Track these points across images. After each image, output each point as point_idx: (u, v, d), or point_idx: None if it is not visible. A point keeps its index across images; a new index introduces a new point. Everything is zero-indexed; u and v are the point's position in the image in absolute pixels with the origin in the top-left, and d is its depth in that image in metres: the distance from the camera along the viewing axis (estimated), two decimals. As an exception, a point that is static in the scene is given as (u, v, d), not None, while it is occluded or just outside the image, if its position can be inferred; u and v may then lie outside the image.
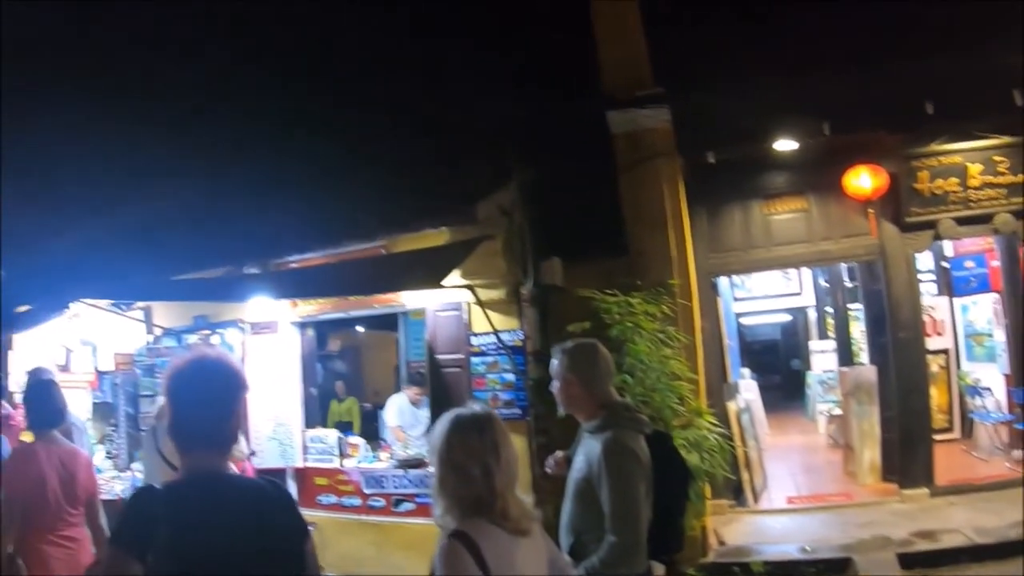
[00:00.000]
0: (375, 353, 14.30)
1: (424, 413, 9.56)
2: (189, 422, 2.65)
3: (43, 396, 5.09)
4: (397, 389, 11.28)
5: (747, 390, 12.47)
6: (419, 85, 8.06)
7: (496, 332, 7.97)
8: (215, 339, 10.35)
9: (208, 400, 2.65)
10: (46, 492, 4.75)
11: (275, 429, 9.17)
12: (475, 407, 2.92)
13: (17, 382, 11.60)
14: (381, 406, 11.02)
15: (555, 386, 3.99)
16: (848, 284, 13.85)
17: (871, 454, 9.97)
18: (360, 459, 9.08)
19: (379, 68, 7.85)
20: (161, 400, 7.01)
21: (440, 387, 8.41)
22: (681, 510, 4.17)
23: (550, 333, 7.79)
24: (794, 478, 11.00)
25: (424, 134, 8.00)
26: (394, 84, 7.95)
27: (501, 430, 2.83)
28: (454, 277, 7.56)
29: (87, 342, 11.03)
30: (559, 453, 4.37)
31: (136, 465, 9.53)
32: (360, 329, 13.13)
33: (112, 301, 10.01)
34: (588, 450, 3.78)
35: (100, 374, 11.26)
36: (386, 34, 7.84)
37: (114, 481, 9.57)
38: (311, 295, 8.65)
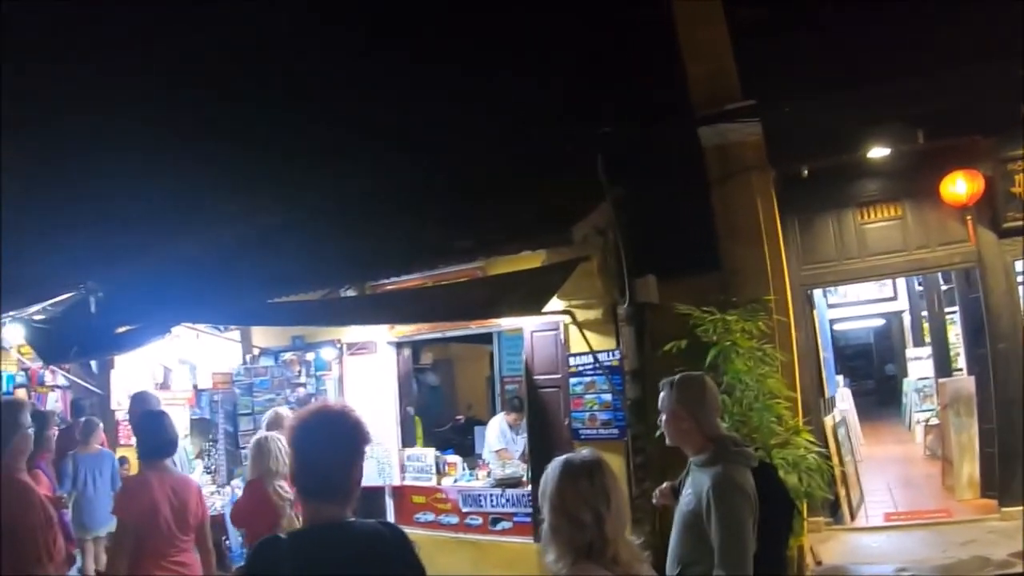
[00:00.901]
0: (468, 366, 14.43)
1: (521, 437, 9.71)
2: (313, 472, 2.78)
3: (156, 427, 5.30)
4: (492, 404, 11.47)
5: (842, 399, 12.37)
6: (512, 108, 8.20)
7: (593, 352, 8.05)
8: (310, 356, 10.73)
9: (331, 451, 2.77)
10: (158, 520, 4.97)
11: (372, 448, 9.32)
12: (583, 452, 3.02)
13: (118, 400, 12.17)
14: (474, 419, 11.22)
15: (663, 419, 4.07)
16: (944, 287, 13.60)
17: (970, 468, 9.81)
18: (457, 477, 9.28)
19: (474, 92, 8.00)
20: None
21: (537, 407, 8.53)
22: (785, 542, 4.25)
23: (646, 352, 7.89)
24: (891, 492, 10.84)
25: (518, 156, 8.13)
26: (489, 107, 8.09)
27: (611, 475, 2.91)
28: (552, 299, 7.64)
29: (185, 361, 11.47)
30: (665, 484, 4.45)
31: (236, 482, 9.89)
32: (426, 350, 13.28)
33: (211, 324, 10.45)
34: (697, 484, 3.85)
35: (198, 391, 11.69)
36: (480, 59, 7.99)
37: (213, 496, 9.95)
38: (409, 321, 8.83)
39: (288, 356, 10.75)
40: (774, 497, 3.98)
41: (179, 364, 11.55)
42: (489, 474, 9.16)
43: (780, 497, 4.18)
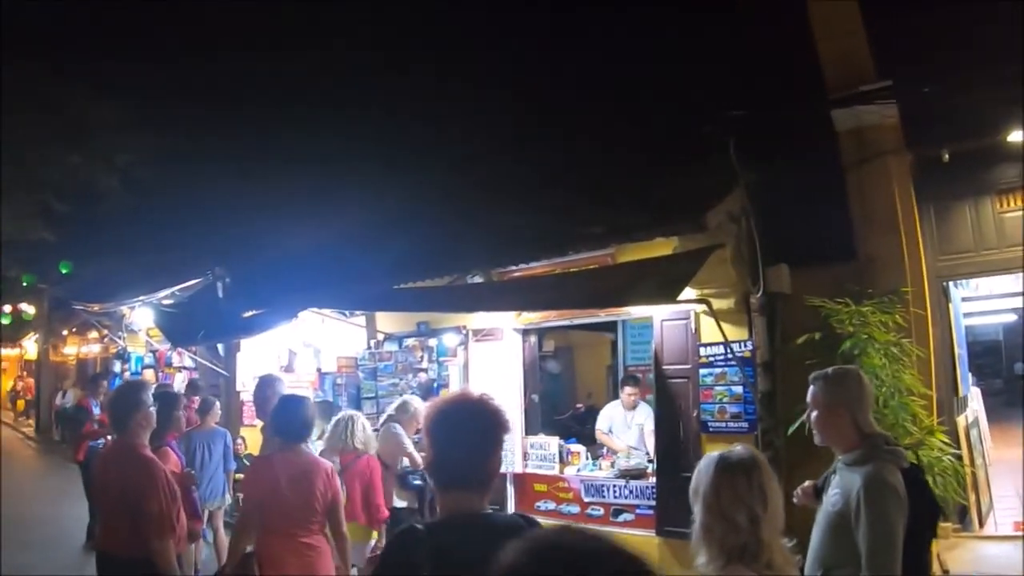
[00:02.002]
0: (588, 354, 14.21)
1: (638, 416, 9.54)
2: (451, 462, 2.67)
3: (292, 410, 5.32)
4: (613, 393, 11.37)
5: (973, 399, 11.86)
6: (644, 92, 8.06)
7: (728, 342, 7.72)
8: (432, 342, 10.79)
9: (471, 441, 2.66)
10: (281, 500, 4.99)
11: (500, 435, 9.36)
12: (739, 448, 2.88)
13: (243, 382, 12.46)
14: (594, 408, 11.12)
15: (813, 415, 3.89)
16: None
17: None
18: (580, 467, 9.18)
19: (606, 77, 7.88)
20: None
21: (666, 398, 8.32)
22: (928, 547, 4.02)
23: (776, 344, 7.69)
24: (1021, 500, 10.36)
25: (648, 141, 7.98)
26: (620, 92, 7.97)
27: (769, 474, 2.78)
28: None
29: (309, 344, 11.67)
30: (808, 483, 4.25)
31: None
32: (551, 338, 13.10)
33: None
34: (845, 483, 3.65)
35: (321, 375, 11.89)
36: (611, 44, 7.87)
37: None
38: (539, 308, 8.71)
39: (411, 342, 10.83)
40: (920, 500, 3.74)
41: (304, 348, 11.75)
42: (613, 464, 9.03)
43: (926, 500, 3.96)
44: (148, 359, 17.93)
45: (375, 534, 7.09)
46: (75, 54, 13.49)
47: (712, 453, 2.85)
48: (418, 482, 7.71)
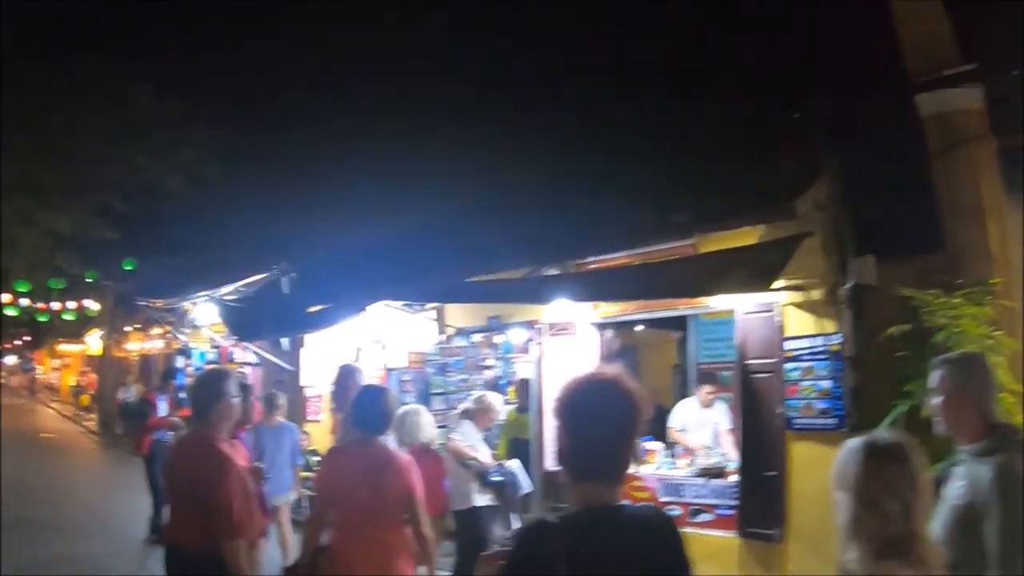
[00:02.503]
0: (653, 352, 13.72)
1: (713, 414, 9.19)
2: (587, 450, 2.40)
3: (374, 401, 5.15)
4: (680, 391, 11.01)
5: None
6: (726, 79, 7.70)
7: (821, 335, 7.46)
8: (499, 339, 10.50)
9: (608, 426, 2.38)
10: (353, 494, 4.81)
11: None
12: (883, 433, 2.63)
13: (307, 377, 12.28)
14: (661, 407, 10.77)
15: (938, 402, 3.55)
16: None
17: None
18: (658, 465, 8.83)
19: (691, 62, 7.54)
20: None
21: (749, 394, 7.94)
22: None
23: (863, 337, 7.20)
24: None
25: (732, 128, 7.63)
26: (702, 80, 7.62)
27: (920, 459, 2.49)
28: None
29: (377, 340, 11.44)
30: None
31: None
32: (638, 328, 12.80)
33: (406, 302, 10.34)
34: (974, 476, 3.32)
35: (388, 371, 11.67)
36: (695, 31, 7.53)
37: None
38: (622, 298, 8.39)
39: (477, 338, 10.55)
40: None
41: (371, 343, 11.52)
42: (691, 463, 8.67)
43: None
44: (211, 355, 17.87)
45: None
46: (138, 50, 13.40)
47: (859, 438, 2.59)
48: (498, 479, 7.42)
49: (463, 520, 7.07)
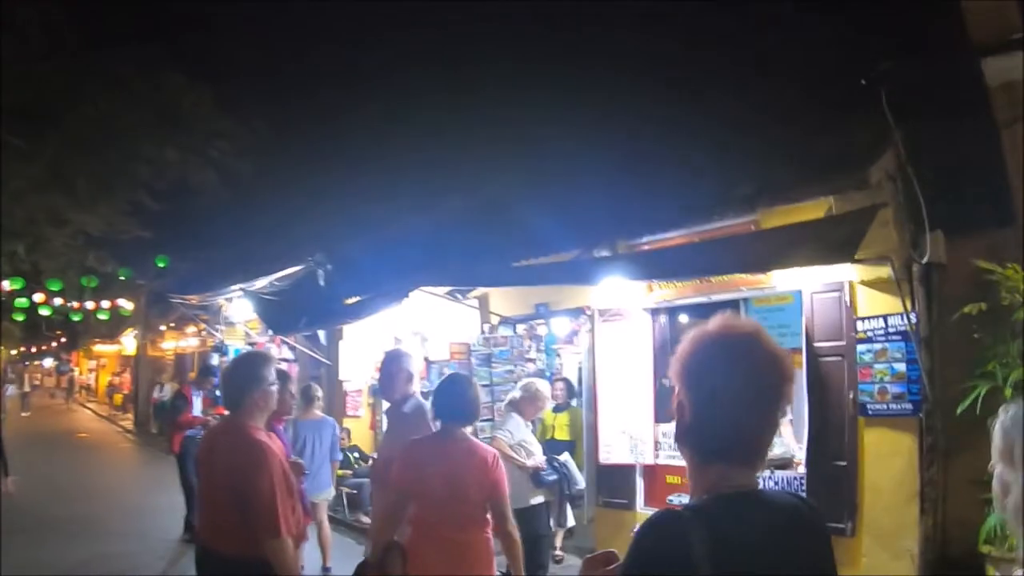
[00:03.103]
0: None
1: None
2: (717, 424, 1.81)
3: (460, 391, 4.66)
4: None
5: None
6: (789, 44, 7.12)
7: (887, 316, 6.91)
8: (542, 329, 9.95)
9: (744, 393, 1.79)
10: (430, 490, 4.35)
11: (626, 423, 8.50)
12: None
13: (346, 371, 11.78)
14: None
15: None
16: None
17: None
18: None
19: (751, 26, 6.98)
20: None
21: (817, 379, 7.34)
22: None
23: (934, 316, 6.73)
24: None
25: (798, 95, 7.05)
26: (763, 47, 7.04)
27: None
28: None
29: (417, 332, 10.93)
30: None
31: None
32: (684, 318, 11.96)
33: (450, 289, 9.79)
34: None
35: (428, 363, 11.17)
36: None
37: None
38: (682, 275, 7.77)
39: (521, 328, 10.00)
40: None
41: (411, 335, 11.01)
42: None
43: None
44: (246, 351, 17.43)
45: None
46: (170, 41, 12.95)
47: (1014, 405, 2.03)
48: (552, 477, 6.89)
49: (517, 520, 6.52)
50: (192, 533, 9.92)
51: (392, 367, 5.27)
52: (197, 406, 10.80)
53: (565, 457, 7.54)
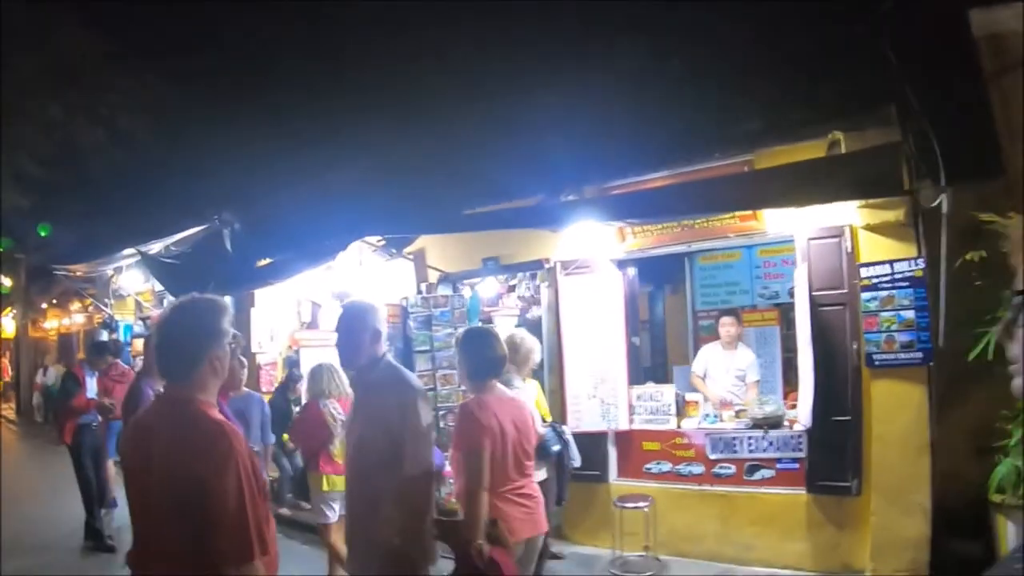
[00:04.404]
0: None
1: (738, 359, 7.65)
2: None
3: (482, 343, 4.18)
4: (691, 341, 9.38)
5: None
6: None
7: (893, 261, 6.14)
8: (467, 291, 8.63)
9: None
10: (504, 446, 3.95)
11: (596, 387, 7.30)
12: None
13: (259, 342, 10.19)
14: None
15: None
16: None
17: None
18: (700, 419, 7.17)
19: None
20: None
21: (817, 330, 6.36)
22: None
23: (940, 264, 5.84)
24: None
25: (799, 31, 6.06)
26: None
27: None
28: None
29: (340, 295, 9.43)
30: None
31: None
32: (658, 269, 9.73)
33: (381, 244, 8.33)
34: None
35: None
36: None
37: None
38: (674, 214, 6.60)
39: (443, 290, 8.60)
40: None
41: (332, 299, 9.51)
42: (737, 414, 7.06)
43: None
44: (139, 327, 15.45)
45: None
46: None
47: None
48: (557, 447, 5.58)
49: None
50: (96, 540, 8.20)
51: (353, 324, 3.86)
52: (91, 388, 8.82)
53: (565, 427, 6.26)
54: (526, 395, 5.38)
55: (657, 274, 9.37)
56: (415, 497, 3.54)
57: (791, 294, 8.65)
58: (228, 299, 2.72)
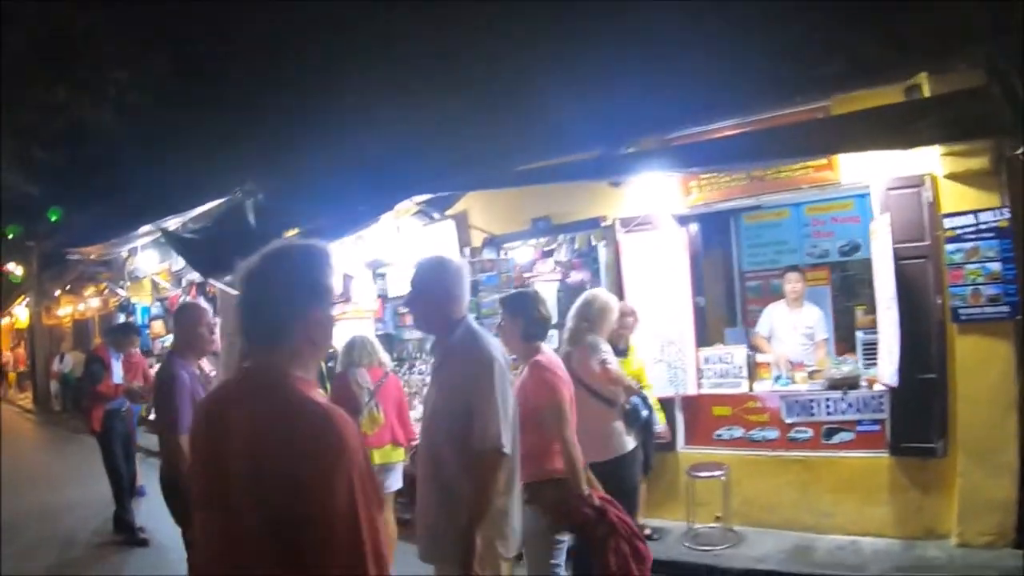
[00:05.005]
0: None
1: (805, 317, 7.18)
2: None
3: (534, 307, 4.18)
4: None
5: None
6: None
7: (978, 211, 5.68)
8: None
9: None
10: (572, 403, 4.09)
11: (662, 349, 6.82)
12: None
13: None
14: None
15: None
16: None
17: None
18: (773, 380, 6.70)
19: None
20: None
21: (898, 284, 5.86)
22: None
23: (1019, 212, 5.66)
24: None
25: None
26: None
27: None
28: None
29: (373, 263, 8.90)
30: None
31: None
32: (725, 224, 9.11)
33: (419, 207, 7.77)
34: None
35: (385, 300, 9.18)
36: None
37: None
38: (731, 163, 6.11)
39: (516, 249, 8.09)
40: None
41: (364, 269, 8.98)
42: (810, 375, 6.59)
43: None
44: (156, 309, 14.91)
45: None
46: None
47: None
48: (646, 413, 5.07)
49: (608, 474, 4.62)
50: (129, 533, 7.64)
51: (428, 283, 3.36)
52: (117, 372, 8.27)
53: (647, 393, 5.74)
54: (611, 357, 4.89)
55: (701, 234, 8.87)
56: (483, 477, 3.08)
57: (842, 252, 8.27)
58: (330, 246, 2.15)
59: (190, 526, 4.21)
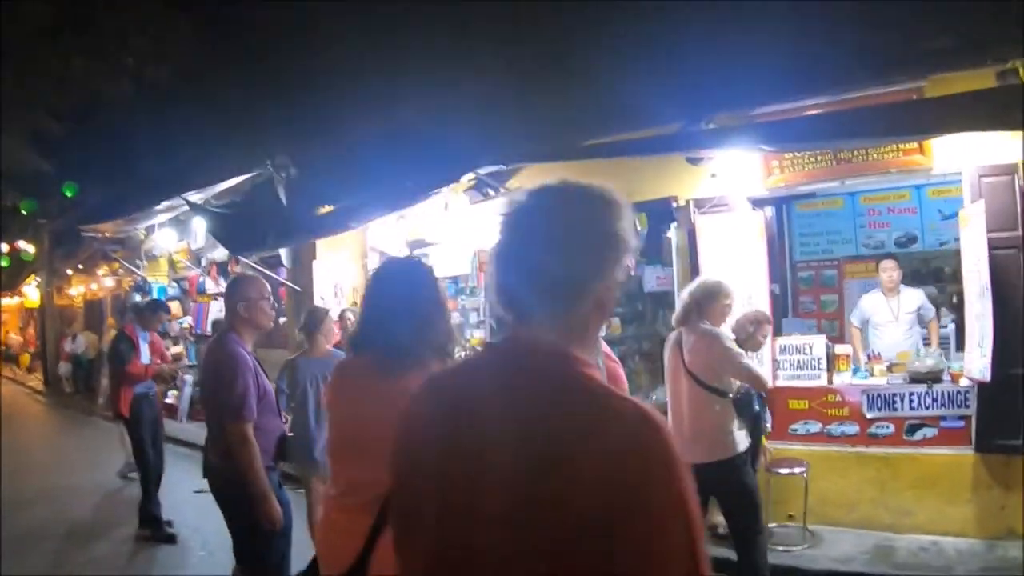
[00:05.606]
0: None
1: (906, 302, 6.79)
2: None
3: None
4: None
5: None
6: None
7: None
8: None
9: None
10: None
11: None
12: None
13: (321, 296, 9.17)
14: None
15: None
16: None
17: None
18: (852, 373, 6.27)
19: None
20: None
21: (991, 275, 5.48)
22: None
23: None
24: None
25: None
26: None
27: None
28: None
29: (415, 243, 8.41)
30: None
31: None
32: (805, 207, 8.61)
33: (480, 179, 7.23)
34: None
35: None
36: None
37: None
38: (820, 142, 5.67)
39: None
40: None
41: (405, 248, 8.49)
42: (890, 368, 6.19)
43: None
44: (172, 289, 14.39)
45: None
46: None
47: None
48: (757, 407, 4.62)
49: (724, 474, 4.15)
50: (153, 528, 7.02)
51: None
52: (145, 352, 7.64)
53: None
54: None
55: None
56: None
57: (898, 243, 7.86)
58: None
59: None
